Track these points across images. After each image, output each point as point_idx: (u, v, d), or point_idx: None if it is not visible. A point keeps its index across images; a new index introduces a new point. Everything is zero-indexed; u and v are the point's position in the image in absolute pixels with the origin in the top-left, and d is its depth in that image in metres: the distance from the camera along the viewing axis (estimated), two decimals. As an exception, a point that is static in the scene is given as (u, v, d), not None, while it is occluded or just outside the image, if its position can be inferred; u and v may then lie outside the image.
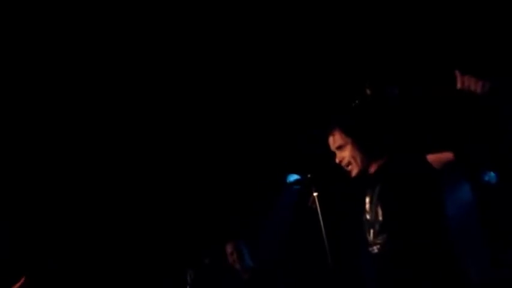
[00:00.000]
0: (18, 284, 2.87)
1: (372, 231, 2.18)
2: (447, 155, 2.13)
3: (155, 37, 3.46)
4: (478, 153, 2.06)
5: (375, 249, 2.17)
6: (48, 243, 4.58)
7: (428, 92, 3.83)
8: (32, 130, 4.03)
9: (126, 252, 5.00)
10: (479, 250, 4.99)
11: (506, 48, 3.85)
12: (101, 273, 4.84)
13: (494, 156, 2.02)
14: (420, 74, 3.86)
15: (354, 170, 2.28)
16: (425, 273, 2.03)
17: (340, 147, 2.30)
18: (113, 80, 3.77)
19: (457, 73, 2.06)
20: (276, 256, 4.97)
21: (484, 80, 1.99)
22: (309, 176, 3.41)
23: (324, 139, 2.38)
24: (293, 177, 4.81)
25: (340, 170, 2.34)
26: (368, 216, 2.23)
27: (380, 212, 2.14)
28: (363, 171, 2.27)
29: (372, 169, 2.27)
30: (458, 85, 2.05)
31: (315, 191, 3.29)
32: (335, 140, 2.32)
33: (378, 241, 2.15)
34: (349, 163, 2.28)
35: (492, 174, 5.37)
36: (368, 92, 2.33)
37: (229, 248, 4.31)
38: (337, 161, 2.32)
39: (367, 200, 2.26)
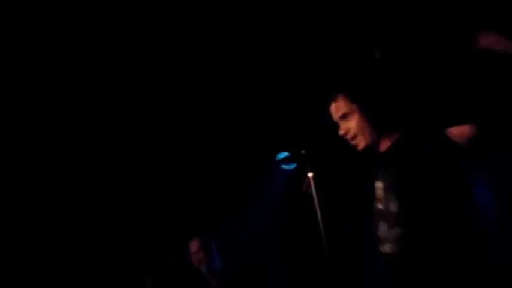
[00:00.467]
0: None
1: (383, 224, 2.04)
2: (469, 128, 2.11)
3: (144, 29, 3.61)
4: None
5: (387, 247, 2.01)
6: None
7: (445, 55, 3.61)
8: (32, 130, 4.18)
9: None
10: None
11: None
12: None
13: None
14: (436, 34, 3.65)
15: (361, 143, 2.16)
16: (449, 282, 1.86)
17: (344, 117, 2.18)
18: (103, 73, 3.91)
19: (480, 32, 2.07)
20: (260, 254, 4.59)
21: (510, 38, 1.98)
22: (302, 152, 3.29)
23: (322, 105, 2.29)
24: (283, 155, 4.44)
25: (342, 144, 2.25)
26: (380, 206, 2.08)
27: (394, 201, 1.99)
28: (372, 146, 2.16)
29: (383, 146, 2.15)
30: (481, 43, 2.04)
31: (310, 171, 3.14)
32: (338, 107, 2.21)
33: (391, 237, 1.99)
34: (355, 136, 2.17)
35: None
36: (376, 54, 2.38)
37: (194, 246, 3.68)
38: (340, 133, 2.21)
39: (379, 185, 2.10)
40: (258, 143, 4.65)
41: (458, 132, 2.10)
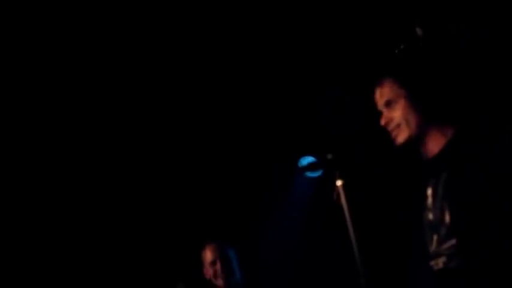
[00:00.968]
0: None
1: (435, 237, 1.96)
2: None
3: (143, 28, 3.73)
4: None
5: (440, 262, 1.93)
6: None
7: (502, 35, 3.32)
8: (31, 130, 4.23)
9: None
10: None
11: None
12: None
13: None
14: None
15: (402, 135, 2.07)
16: None
17: (389, 104, 2.10)
18: (104, 74, 4.01)
19: None
20: (283, 272, 4.47)
21: None
22: (329, 157, 2.96)
23: (351, 101, 2.36)
24: (307, 160, 4.22)
25: (376, 146, 2.20)
26: (430, 216, 2.00)
27: (448, 211, 1.89)
28: (415, 140, 2.05)
29: (433, 144, 2.03)
30: None
31: (340, 179, 2.84)
32: (383, 93, 2.14)
33: (444, 252, 1.90)
34: (397, 125, 2.08)
35: None
36: (419, 32, 2.26)
37: (208, 254, 3.32)
38: (382, 122, 2.13)
39: (429, 192, 2.01)
40: (279, 145, 4.50)
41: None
